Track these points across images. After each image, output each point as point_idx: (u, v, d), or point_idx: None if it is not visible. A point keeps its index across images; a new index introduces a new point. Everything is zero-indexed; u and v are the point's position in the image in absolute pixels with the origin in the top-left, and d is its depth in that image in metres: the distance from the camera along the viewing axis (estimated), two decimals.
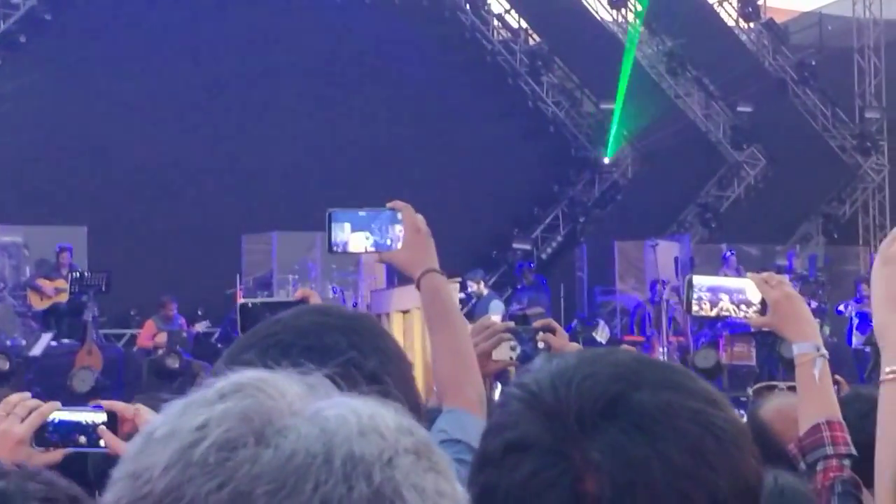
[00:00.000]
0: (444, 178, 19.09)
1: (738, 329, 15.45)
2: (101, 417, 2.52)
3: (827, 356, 2.92)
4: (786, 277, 3.17)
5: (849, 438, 2.79)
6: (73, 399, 12.85)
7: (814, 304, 17.16)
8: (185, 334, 15.29)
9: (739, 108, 21.61)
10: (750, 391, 4.68)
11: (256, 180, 18.57)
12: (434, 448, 0.94)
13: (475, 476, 1.24)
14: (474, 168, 19.64)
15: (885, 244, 1.60)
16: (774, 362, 14.43)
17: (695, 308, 2.94)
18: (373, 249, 2.72)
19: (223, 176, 18.48)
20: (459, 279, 15.56)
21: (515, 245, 19.68)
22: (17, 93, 17.31)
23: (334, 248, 2.73)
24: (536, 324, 3.66)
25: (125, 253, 16.80)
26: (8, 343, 15.50)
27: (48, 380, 13.64)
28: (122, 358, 14.98)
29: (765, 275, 3.08)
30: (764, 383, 4.55)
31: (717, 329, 16.08)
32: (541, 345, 3.64)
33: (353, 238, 2.73)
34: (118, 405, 2.58)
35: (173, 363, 13.55)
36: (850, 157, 22.81)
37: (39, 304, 15.70)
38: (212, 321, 16.71)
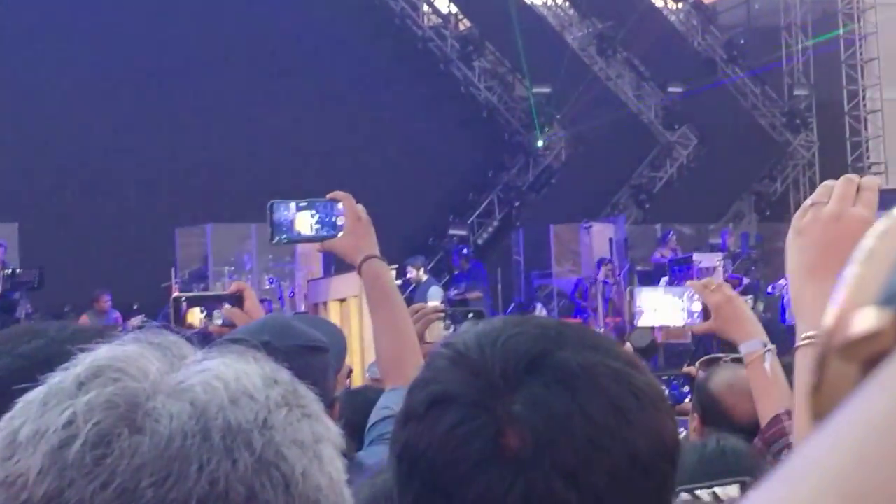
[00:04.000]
0: (378, 167, 19.04)
1: None
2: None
3: (774, 349, 2.98)
4: (724, 283, 3.22)
5: None
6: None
7: (746, 281, 17.36)
8: (119, 329, 15.13)
9: (670, 89, 21.77)
10: (692, 368, 4.71)
11: (189, 173, 18.43)
12: (300, 389, 0.95)
13: (399, 431, 1.25)
14: (408, 156, 19.62)
15: (798, 215, 1.65)
16: (709, 340, 14.57)
17: (639, 321, 2.99)
18: (317, 228, 2.74)
19: (155, 169, 18.32)
20: (397, 266, 15.57)
21: (451, 231, 19.69)
22: None
23: (277, 236, 2.76)
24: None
25: (57, 248, 16.60)
26: None
27: None
28: None
29: (704, 281, 3.15)
30: (708, 356, 4.58)
31: None
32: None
33: (299, 217, 2.76)
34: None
35: None
36: (780, 135, 23.07)
37: None
38: (147, 315, 16.57)
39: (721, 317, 3.04)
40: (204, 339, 1.58)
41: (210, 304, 3.09)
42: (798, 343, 1.60)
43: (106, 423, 0.85)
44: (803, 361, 1.58)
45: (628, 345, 3.96)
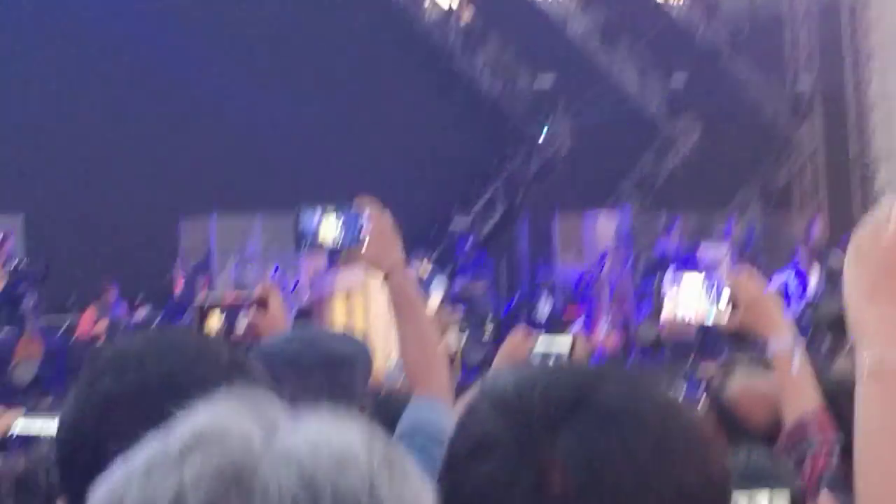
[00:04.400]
0: (381, 159, 19.03)
1: None
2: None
3: (802, 344, 2.96)
4: (759, 278, 3.19)
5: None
6: (14, 392, 12.72)
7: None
8: (126, 321, 15.16)
9: (673, 79, 21.74)
10: (708, 367, 4.67)
11: (194, 164, 18.40)
12: (396, 449, 0.94)
13: (443, 478, 1.25)
14: (410, 146, 19.59)
15: (857, 234, 1.57)
16: (714, 335, 14.55)
17: (665, 315, 2.97)
18: (341, 237, 2.76)
19: (160, 159, 18.30)
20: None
21: (454, 222, 19.68)
22: None
23: (303, 243, 2.77)
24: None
25: (62, 239, 16.60)
26: None
27: None
28: (63, 347, 14.82)
29: (738, 274, 3.12)
30: (727, 357, 4.53)
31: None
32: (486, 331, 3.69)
33: (325, 225, 2.77)
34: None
35: None
36: (784, 125, 23.03)
37: None
38: (153, 306, 16.60)
39: (753, 312, 3.01)
40: (230, 344, 1.59)
41: (234, 309, 3.09)
42: (864, 369, 1.52)
43: (216, 493, 0.83)
44: (876, 388, 1.50)
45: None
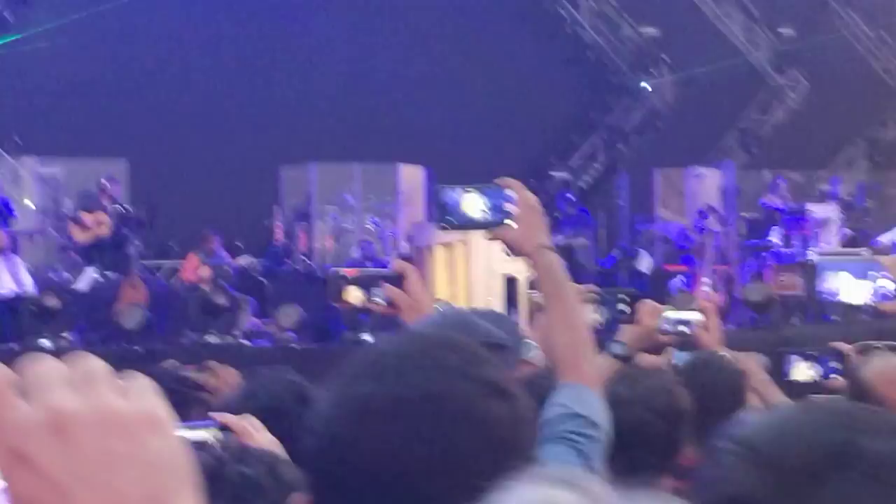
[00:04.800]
0: (480, 107, 18.91)
1: (784, 259, 15.30)
2: (215, 433, 2.37)
3: None
4: None
5: None
6: (122, 336, 12.88)
7: (849, 233, 16.99)
8: (228, 268, 15.26)
9: (781, 31, 21.28)
10: (842, 345, 4.59)
11: (295, 112, 18.42)
12: None
13: None
14: (511, 96, 19.41)
15: None
16: (820, 292, 14.29)
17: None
18: (487, 213, 2.66)
19: (261, 107, 18.37)
20: None
21: (552, 173, 19.52)
22: (55, 26, 17.18)
23: (445, 218, 2.70)
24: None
25: (164, 185, 16.73)
26: (52, 277, 15.51)
27: (93, 315, 13.65)
28: (166, 292, 14.98)
29: None
30: (863, 342, 4.50)
31: (763, 259, 15.92)
32: (622, 307, 3.60)
33: (466, 200, 2.69)
34: (230, 419, 2.48)
35: (220, 299, 13.51)
36: (893, 80, 22.45)
37: (81, 238, 15.66)
38: (251, 253, 16.71)
39: None
40: (491, 360, 1.52)
41: (368, 282, 3.03)
42: None
43: None
44: None
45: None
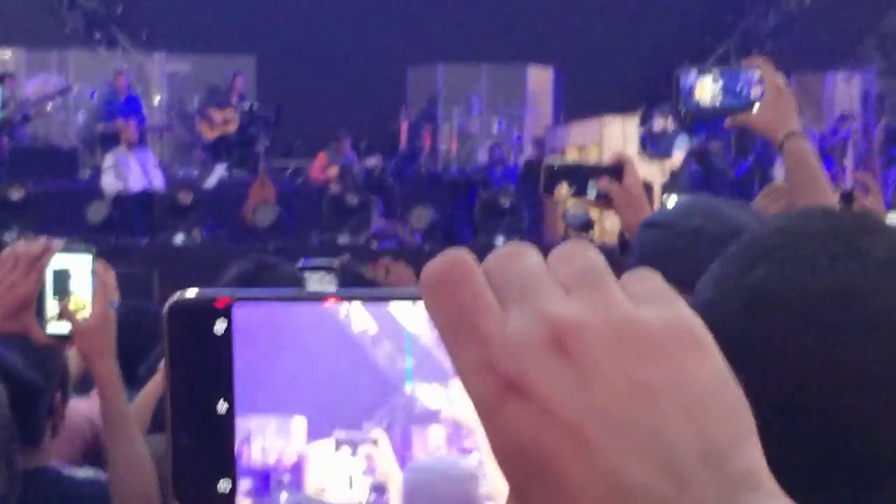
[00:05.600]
0: (612, 7, 18.43)
1: None
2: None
3: None
4: None
5: None
6: (253, 233, 12.85)
7: None
8: (356, 169, 15.13)
9: None
10: None
11: (422, 11, 18.14)
12: None
13: None
14: None
15: None
16: None
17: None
18: (721, 97, 2.43)
19: (389, 6, 18.11)
20: (642, 109, 15.06)
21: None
22: None
23: (682, 107, 2.46)
24: None
25: (291, 83, 16.62)
26: (181, 174, 15.53)
27: (222, 213, 13.63)
28: (293, 191, 14.91)
29: None
30: None
31: None
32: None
33: (700, 84, 2.44)
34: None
35: (352, 199, 13.40)
36: None
37: (209, 134, 15.62)
38: (377, 154, 16.57)
39: None
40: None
41: (583, 175, 2.79)
42: None
43: None
44: None
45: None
